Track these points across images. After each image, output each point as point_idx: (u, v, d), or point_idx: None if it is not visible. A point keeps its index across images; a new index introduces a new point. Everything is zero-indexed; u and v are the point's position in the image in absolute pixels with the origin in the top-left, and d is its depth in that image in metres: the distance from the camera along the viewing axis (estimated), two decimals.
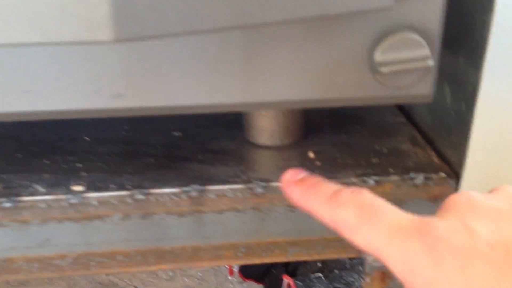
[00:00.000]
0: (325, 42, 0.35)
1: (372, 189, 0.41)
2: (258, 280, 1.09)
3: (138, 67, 0.35)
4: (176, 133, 0.49)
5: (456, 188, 0.42)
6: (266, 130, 0.46)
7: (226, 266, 1.66)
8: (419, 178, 0.42)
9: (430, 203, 0.42)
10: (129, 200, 0.40)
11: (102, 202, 0.40)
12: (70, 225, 0.41)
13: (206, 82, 0.36)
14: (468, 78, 0.40)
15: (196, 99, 0.37)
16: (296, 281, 0.86)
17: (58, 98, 0.35)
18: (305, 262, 1.00)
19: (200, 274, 1.71)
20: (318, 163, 0.44)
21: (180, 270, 1.73)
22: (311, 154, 0.45)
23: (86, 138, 0.49)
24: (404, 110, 0.54)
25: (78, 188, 0.41)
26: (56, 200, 0.40)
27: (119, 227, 0.41)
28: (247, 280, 1.11)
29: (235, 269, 1.23)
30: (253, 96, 0.37)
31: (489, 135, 0.40)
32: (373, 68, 0.35)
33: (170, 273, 1.72)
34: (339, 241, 0.44)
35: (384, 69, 0.35)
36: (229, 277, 1.66)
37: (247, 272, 1.09)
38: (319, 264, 0.95)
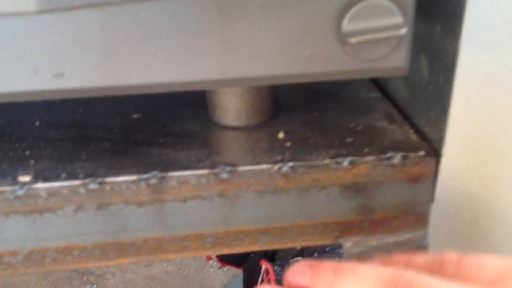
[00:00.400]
0: (288, 11, 0.32)
1: (347, 170, 0.39)
2: (237, 265, 1.06)
3: (81, 42, 0.31)
4: (135, 115, 0.46)
5: (436, 168, 0.39)
6: (231, 109, 0.43)
7: None
8: (397, 158, 0.39)
9: (410, 184, 0.39)
10: (82, 190, 0.37)
11: (52, 193, 0.37)
12: (19, 219, 0.37)
13: (159, 57, 0.33)
14: (445, 47, 0.37)
15: (150, 77, 0.33)
16: (275, 267, 0.83)
17: None
18: None
19: (179, 259, 1.69)
20: (288, 144, 0.41)
21: None
22: (281, 135, 0.42)
23: (37, 122, 0.45)
24: (379, 85, 0.51)
25: (25, 178, 0.37)
26: (1, 192, 0.36)
27: (72, 220, 0.38)
28: (226, 265, 1.08)
29: (213, 255, 1.20)
30: (213, 73, 0.34)
31: (469, 109, 0.37)
32: (341, 39, 0.32)
33: None
34: (314, 227, 0.41)
35: (352, 40, 0.32)
36: (209, 262, 1.64)
37: (225, 257, 1.06)
38: (299, 248, 0.93)
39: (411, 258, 0.32)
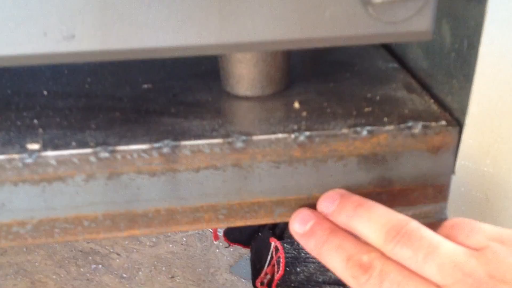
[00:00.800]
0: None
1: (366, 140, 0.37)
2: (244, 244, 1.06)
3: (93, 3, 0.30)
4: (146, 86, 0.45)
5: (458, 138, 0.38)
6: (245, 78, 0.41)
7: (211, 230, 1.63)
8: (417, 127, 0.37)
9: (430, 154, 0.38)
10: (92, 159, 0.36)
11: (61, 161, 0.35)
12: (27, 188, 0.36)
13: (174, 19, 0.31)
14: (470, 11, 0.35)
15: (163, 41, 0.32)
16: (284, 244, 0.82)
17: None
18: None
19: (185, 239, 1.68)
20: (304, 113, 0.39)
21: (164, 236, 1.70)
22: (296, 104, 0.41)
23: (44, 92, 0.43)
24: (396, 55, 0.49)
25: (34, 146, 0.36)
26: (9, 160, 0.35)
27: (83, 189, 0.37)
28: (233, 245, 1.08)
29: (220, 234, 1.20)
30: (228, 36, 0.32)
31: (495, 77, 0.36)
32: None
33: (154, 239, 1.69)
34: None
35: (376, 0, 0.30)
36: (215, 242, 1.63)
37: (232, 236, 1.05)
38: None
39: None
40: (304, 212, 0.37)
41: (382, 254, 0.32)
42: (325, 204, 0.37)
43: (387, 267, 0.31)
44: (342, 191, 0.37)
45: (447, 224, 0.33)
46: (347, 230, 0.34)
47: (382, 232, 0.32)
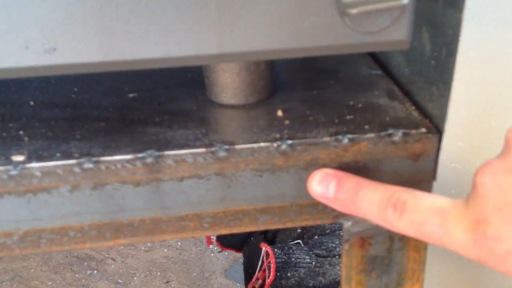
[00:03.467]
0: None
1: (347, 148, 0.38)
2: (237, 249, 1.06)
3: (73, 15, 0.30)
4: (131, 95, 0.45)
5: (438, 145, 0.38)
6: (229, 87, 0.42)
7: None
8: (398, 135, 0.38)
9: (411, 161, 0.38)
10: (77, 170, 0.36)
11: (46, 172, 0.36)
12: (13, 200, 0.36)
13: (154, 32, 0.32)
14: (448, 19, 0.36)
15: (144, 53, 0.32)
16: (275, 249, 0.83)
17: None
18: (284, 229, 0.97)
19: (180, 244, 1.69)
20: (287, 122, 0.40)
21: (159, 241, 1.70)
22: (279, 112, 0.41)
23: (31, 102, 0.44)
24: (380, 62, 0.50)
25: (19, 158, 0.36)
26: None
27: (68, 199, 0.37)
28: (226, 250, 1.08)
29: (213, 239, 1.20)
30: (210, 47, 0.33)
31: (473, 85, 0.36)
32: (342, 9, 0.31)
33: (149, 244, 1.69)
34: (313, 207, 0.40)
35: (353, 10, 0.31)
36: (210, 246, 1.64)
37: (225, 241, 1.06)
38: (299, 230, 0.92)
39: None
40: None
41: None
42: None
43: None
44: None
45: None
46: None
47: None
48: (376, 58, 0.51)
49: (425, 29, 0.40)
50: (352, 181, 0.36)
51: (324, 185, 0.37)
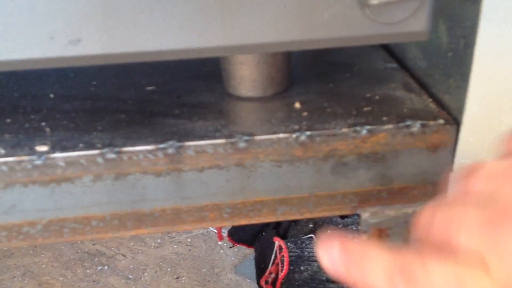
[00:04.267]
0: None
1: (365, 139, 0.38)
2: (248, 244, 1.07)
3: (98, 7, 0.31)
4: (149, 88, 0.46)
5: (456, 136, 0.39)
6: (247, 80, 0.42)
7: (215, 231, 1.64)
8: (416, 126, 0.38)
9: (429, 152, 0.39)
10: (99, 160, 0.37)
11: (69, 162, 0.37)
12: (37, 189, 0.37)
13: (178, 23, 0.32)
14: (466, 11, 0.36)
15: (166, 43, 0.33)
16: (288, 243, 0.83)
17: (3, 46, 0.31)
18: (296, 224, 0.97)
19: (189, 240, 1.69)
20: (305, 113, 0.40)
21: (169, 237, 1.71)
22: (297, 105, 0.42)
23: (51, 95, 0.44)
24: (395, 55, 0.50)
25: (42, 148, 0.37)
26: (19, 162, 0.36)
27: (90, 189, 0.38)
28: (237, 245, 1.08)
29: (225, 234, 1.21)
30: (229, 38, 0.33)
31: (490, 76, 0.37)
32: (362, 0, 0.32)
33: (159, 240, 1.70)
34: (331, 198, 0.41)
35: (373, 1, 0.31)
36: (219, 242, 1.64)
37: (236, 236, 1.06)
38: (311, 225, 0.93)
39: None
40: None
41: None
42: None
43: None
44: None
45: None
46: None
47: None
48: (391, 52, 0.51)
49: (441, 21, 0.40)
50: (357, 247, 0.33)
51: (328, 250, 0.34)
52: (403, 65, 0.48)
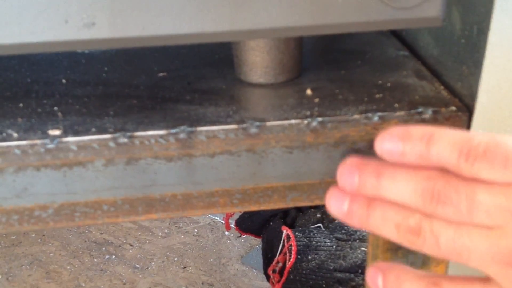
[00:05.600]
0: None
1: (377, 125, 0.38)
2: (256, 233, 1.07)
3: None
4: (161, 74, 0.46)
5: (468, 124, 0.39)
6: (258, 66, 0.42)
7: (222, 221, 1.65)
8: (428, 113, 0.38)
9: None
10: (111, 144, 0.37)
11: (82, 146, 0.37)
12: (49, 173, 0.37)
13: (190, 7, 0.32)
14: None
15: (180, 28, 0.33)
16: (295, 232, 0.83)
17: (19, 29, 0.31)
18: (303, 214, 0.98)
19: (196, 231, 1.70)
20: (316, 100, 0.40)
21: (176, 227, 1.71)
22: (308, 91, 0.42)
23: (63, 80, 0.45)
24: (407, 43, 0.50)
25: (55, 132, 0.37)
26: (32, 145, 0.36)
27: (102, 174, 0.38)
28: (245, 234, 1.09)
29: (232, 224, 1.21)
30: (242, 23, 0.33)
31: (504, 62, 0.36)
32: None
33: (166, 230, 1.71)
34: None
35: None
36: (226, 233, 1.65)
37: (244, 226, 1.07)
38: (319, 215, 0.93)
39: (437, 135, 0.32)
40: (336, 193, 0.36)
41: (426, 214, 0.32)
42: (345, 181, 0.36)
43: (435, 225, 0.31)
44: (356, 160, 0.36)
45: (477, 149, 0.30)
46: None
47: (416, 197, 0.32)
48: (403, 40, 0.51)
49: (455, 8, 0.40)
50: (394, 274, 0.35)
51: (373, 277, 0.36)
52: (415, 53, 0.48)
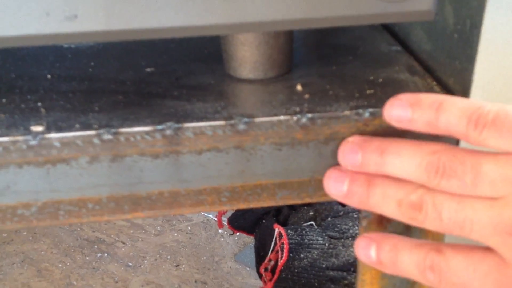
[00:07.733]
0: None
1: (368, 122, 0.37)
2: (248, 231, 1.06)
3: None
4: (148, 69, 0.45)
5: None
6: (247, 61, 0.41)
7: (215, 219, 1.64)
8: None
9: (432, 137, 0.38)
10: (96, 141, 0.36)
11: (65, 143, 0.36)
12: (32, 170, 0.36)
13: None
14: None
15: (165, 21, 0.32)
16: (288, 230, 0.83)
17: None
18: (296, 212, 0.97)
19: (190, 228, 1.69)
20: (306, 96, 0.40)
21: (169, 225, 1.71)
22: (298, 87, 0.41)
23: (48, 76, 0.44)
24: (399, 38, 0.49)
25: (38, 128, 0.36)
26: (14, 142, 0.35)
27: (87, 171, 0.37)
28: (237, 232, 1.08)
29: (225, 222, 1.20)
30: (230, 16, 0.33)
31: (498, 58, 0.36)
32: None
33: (159, 228, 1.70)
34: None
35: None
36: (220, 230, 1.64)
37: (236, 223, 1.06)
38: (311, 213, 0.92)
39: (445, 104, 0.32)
40: (335, 173, 0.36)
41: (428, 188, 0.32)
42: (347, 159, 0.35)
43: (437, 199, 0.31)
44: (359, 138, 0.36)
45: (486, 117, 0.30)
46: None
47: (421, 171, 0.31)
48: (395, 35, 0.50)
49: (447, 2, 0.39)
50: (390, 243, 0.35)
51: (365, 248, 0.36)
52: (407, 48, 0.47)
